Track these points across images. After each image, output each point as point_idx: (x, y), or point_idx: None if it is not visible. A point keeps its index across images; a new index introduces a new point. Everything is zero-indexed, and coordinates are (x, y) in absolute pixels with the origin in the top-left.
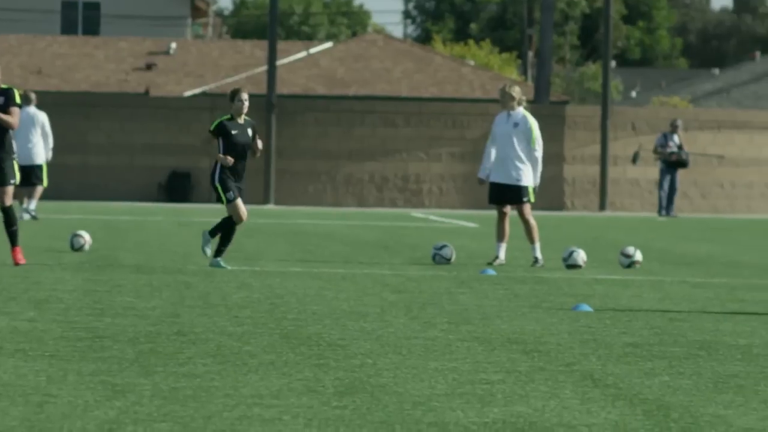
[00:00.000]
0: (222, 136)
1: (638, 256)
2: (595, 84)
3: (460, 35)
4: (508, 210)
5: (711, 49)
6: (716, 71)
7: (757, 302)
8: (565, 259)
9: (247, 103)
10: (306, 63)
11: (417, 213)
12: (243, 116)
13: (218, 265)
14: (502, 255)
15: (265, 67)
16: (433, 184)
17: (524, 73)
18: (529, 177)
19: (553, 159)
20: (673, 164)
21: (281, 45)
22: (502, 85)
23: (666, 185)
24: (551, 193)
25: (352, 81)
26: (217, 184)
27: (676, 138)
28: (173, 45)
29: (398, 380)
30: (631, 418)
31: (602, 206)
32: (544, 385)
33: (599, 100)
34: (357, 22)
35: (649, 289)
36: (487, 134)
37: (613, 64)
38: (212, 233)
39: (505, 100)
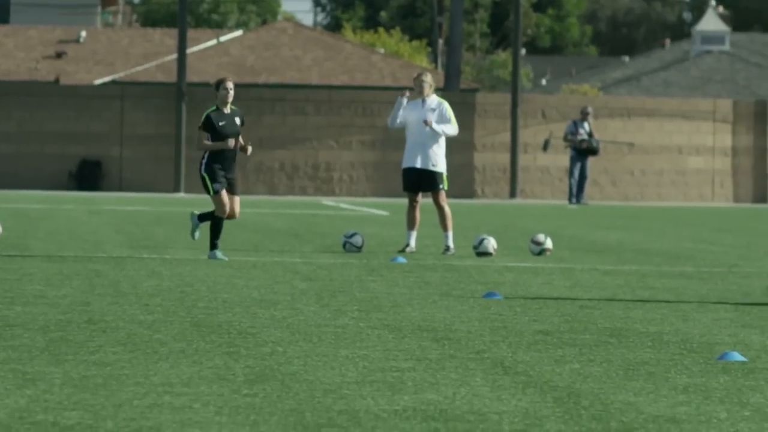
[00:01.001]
0: (209, 130)
1: (549, 243)
2: (505, 72)
3: (370, 23)
4: (420, 198)
5: (621, 37)
6: (626, 59)
7: (668, 289)
8: (475, 247)
9: (232, 92)
10: (216, 51)
11: (327, 201)
12: (229, 105)
13: (216, 258)
14: (412, 243)
15: (175, 56)
16: (344, 172)
17: (434, 60)
18: (443, 164)
19: (464, 147)
20: (583, 152)
21: (191, 33)
22: (416, 73)
23: (576, 173)
24: (462, 181)
25: (262, 69)
26: (205, 174)
27: (586, 125)
28: (83, 33)
29: (309, 368)
30: (541, 405)
31: (513, 194)
32: (455, 373)
33: (509, 88)
34: (267, 10)
35: (560, 277)
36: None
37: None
38: (201, 218)
39: (420, 88)
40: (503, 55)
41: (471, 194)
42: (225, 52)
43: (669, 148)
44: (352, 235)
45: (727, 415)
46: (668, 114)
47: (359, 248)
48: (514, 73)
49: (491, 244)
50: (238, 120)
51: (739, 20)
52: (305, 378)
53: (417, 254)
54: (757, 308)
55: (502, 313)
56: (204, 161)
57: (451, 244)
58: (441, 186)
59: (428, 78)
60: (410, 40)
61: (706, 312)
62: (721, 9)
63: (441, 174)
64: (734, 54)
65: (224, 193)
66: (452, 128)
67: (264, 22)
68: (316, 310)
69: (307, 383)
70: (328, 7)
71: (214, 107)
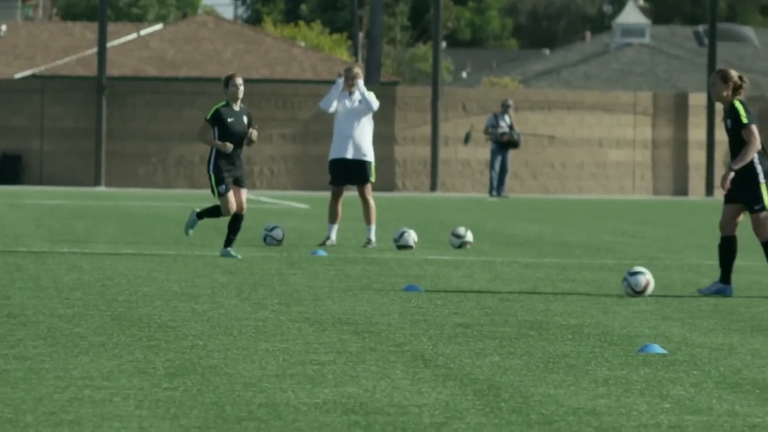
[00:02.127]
0: (218, 125)
1: (469, 236)
2: (426, 65)
3: (291, 16)
4: (343, 192)
5: (541, 30)
6: (547, 52)
7: (588, 282)
8: (396, 240)
9: (242, 88)
10: (136, 45)
11: (248, 194)
12: (239, 103)
13: (228, 255)
14: (333, 236)
15: (95, 49)
16: (264, 165)
17: (355, 54)
18: (372, 154)
19: (384, 140)
20: (504, 145)
21: (111, 27)
22: (347, 66)
23: (497, 165)
24: (382, 174)
25: (182, 63)
26: (212, 173)
27: (507, 118)
28: (3, 27)
29: (229, 361)
30: (461, 398)
31: (433, 187)
32: (375, 366)
33: (430, 81)
34: (187, 3)
35: (480, 270)
36: (319, 115)
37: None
38: (200, 215)
39: (352, 81)
40: (423, 48)
41: (392, 187)
42: (145, 46)
43: (589, 140)
44: (272, 229)
45: (647, 408)
46: (589, 107)
47: (280, 241)
48: (435, 66)
49: (412, 237)
50: (245, 119)
51: (660, 13)
52: (225, 371)
53: (337, 247)
54: (677, 300)
55: (423, 306)
56: (211, 159)
57: (372, 237)
58: (370, 177)
59: (359, 71)
60: (331, 33)
61: (627, 304)
62: (641, 2)
63: (371, 164)
64: (654, 47)
65: (230, 195)
66: (375, 101)
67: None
68: (237, 303)
69: (227, 377)
70: (249, 1)
71: (224, 102)
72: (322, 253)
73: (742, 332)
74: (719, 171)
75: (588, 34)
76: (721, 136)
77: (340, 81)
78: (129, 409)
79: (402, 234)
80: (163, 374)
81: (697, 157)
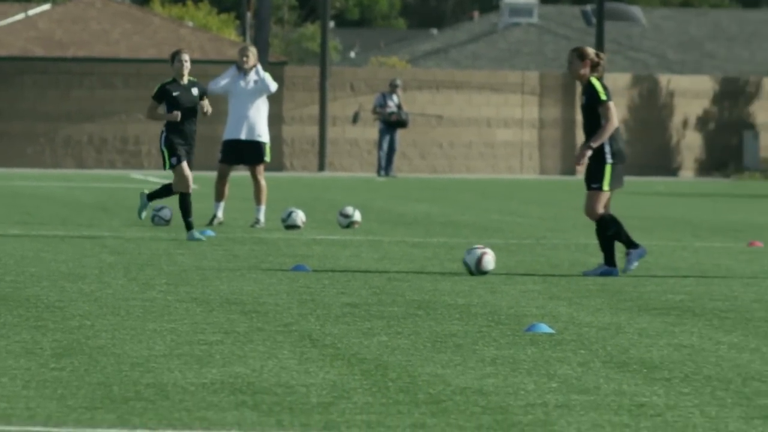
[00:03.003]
0: (165, 100)
1: (357, 216)
2: (314, 44)
3: None
4: (230, 172)
5: (429, 9)
6: (434, 31)
7: None
8: (284, 220)
9: (187, 64)
10: (24, 25)
11: (136, 174)
12: (186, 77)
13: (194, 238)
14: (220, 214)
15: None
16: (152, 145)
17: (243, 34)
18: (267, 135)
19: (272, 120)
20: (392, 124)
21: None
22: (241, 46)
23: (385, 145)
24: (271, 154)
25: (70, 43)
26: (164, 148)
27: (395, 98)
28: None
29: (116, 341)
30: (349, 377)
31: (321, 167)
32: (263, 346)
33: (318, 61)
34: None
35: (368, 249)
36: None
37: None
38: (150, 197)
39: (246, 58)
40: (312, 28)
41: (280, 167)
42: (33, 26)
43: (477, 120)
44: (160, 209)
45: (534, 387)
46: (477, 86)
47: (168, 221)
48: (323, 46)
49: (299, 217)
50: (195, 90)
51: None
52: (113, 351)
53: (225, 227)
54: (564, 280)
55: (310, 286)
56: (163, 135)
57: (261, 217)
58: (265, 157)
59: (253, 50)
60: (219, 13)
61: (514, 284)
62: None
63: (266, 145)
64: (542, 26)
65: (184, 166)
66: (273, 83)
67: None
68: (124, 283)
69: (114, 357)
70: None
71: (171, 78)
72: (209, 233)
73: (629, 312)
74: None
75: (476, 13)
76: None
77: (235, 68)
78: (16, 390)
79: (290, 214)
80: (51, 354)
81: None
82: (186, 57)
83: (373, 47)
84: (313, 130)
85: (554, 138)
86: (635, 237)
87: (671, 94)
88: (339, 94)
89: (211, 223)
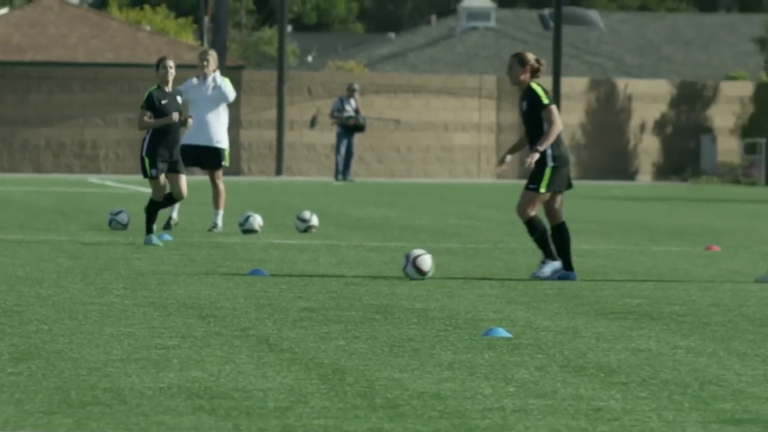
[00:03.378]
0: (152, 109)
1: (314, 220)
2: (271, 48)
3: (136, 1)
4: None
5: (387, 14)
6: (392, 35)
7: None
8: (241, 224)
9: (172, 70)
10: None
11: (94, 178)
12: (170, 85)
13: (151, 242)
14: (175, 215)
15: None
16: (110, 149)
17: (200, 38)
18: (227, 140)
19: (230, 124)
20: (349, 128)
21: None
22: (202, 50)
23: (343, 149)
24: (229, 159)
25: (28, 47)
26: (145, 156)
27: (352, 102)
28: None
29: (74, 346)
30: (306, 382)
31: (279, 171)
32: (220, 350)
33: (275, 65)
34: None
35: (326, 254)
36: None
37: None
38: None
39: (206, 63)
40: (269, 32)
41: (237, 171)
42: None
43: (435, 124)
44: (117, 213)
45: (492, 391)
46: (434, 91)
47: (125, 226)
48: (280, 50)
49: (257, 221)
50: (180, 99)
51: None
52: (70, 356)
53: (183, 232)
54: (522, 284)
55: (268, 290)
56: (146, 142)
57: (219, 221)
58: (223, 162)
59: (213, 55)
60: (176, 17)
61: (472, 288)
62: None
63: (224, 151)
64: (500, 30)
65: (162, 178)
66: (231, 91)
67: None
68: (82, 288)
69: (72, 361)
70: None
71: (156, 86)
72: (167, 237)
73: (587, 316)
74: None
75: (434, 17)
76: (566, 119)
77: (194, 80)
78: None
79: (247, 218)
80: (8, 359)
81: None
82: (171, 63)
83: (331, 51)
84: (271, 135)
85: (512, 142)
86: (593, 241)
87: (629, 98)
88: (296, 98)
89: (167, 225)
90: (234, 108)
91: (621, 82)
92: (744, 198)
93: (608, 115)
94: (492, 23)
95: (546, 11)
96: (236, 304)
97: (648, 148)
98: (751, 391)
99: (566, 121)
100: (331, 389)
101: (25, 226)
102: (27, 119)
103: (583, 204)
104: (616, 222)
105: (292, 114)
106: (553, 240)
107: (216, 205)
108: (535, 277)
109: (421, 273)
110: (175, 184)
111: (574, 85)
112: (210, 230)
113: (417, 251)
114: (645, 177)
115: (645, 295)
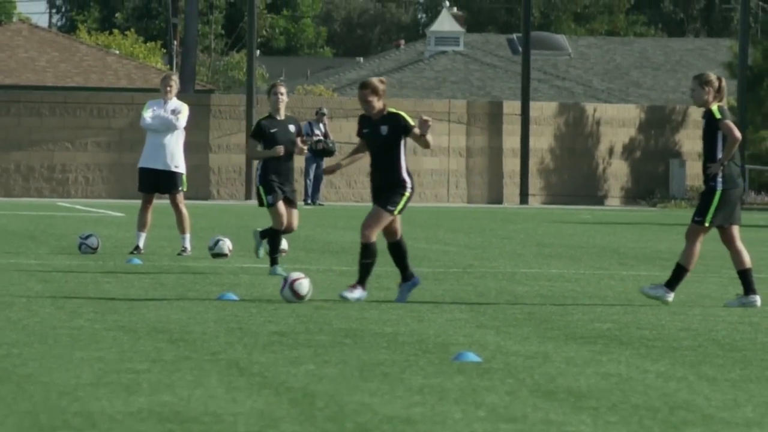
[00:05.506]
0: (262, 137)
1: (284, 244)
2: (240, 73)
3: (105, 25)
4: (152, 200)
5: (356, 38)
6: (361, 60)
7: None
8: (211, 248)
9: (282, 97)
10: None
11: (63, 202)
12: (283, 113)
13: (276, 273)
14: (141, 244)
15: None
16: (79, 173)
17: (169, 62)
18: (183, 164)
19: (199, 148)
20: (318, 153)
21: None
22: (165, 74)
23: (312, 173)
24: (197, 182)
25: None
26: (260, 185)
27: (321, 126)
28: None
29: (44, 370)
30: (276, 406)
31: (248, 195)
32: (190, 374)
33: (244, 89)
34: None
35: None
36: (134, 123)
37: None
38: (263, 234)
39: (169, 88)
40: (238, 57)
41: (206, 195)
42: None
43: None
44: (87, 237)
45: (462, 416)
46: None
47: (95, 250)
48: (249, 74)
49: (227, 245)
50: (292, 127)
51: (474, 21)
52: (40, 380)
53: (152, 256)
54: (492, 308)
55: (238, 314)
56: (259, 172)
57: (187, 245)
58: (180, 187)
59: (176, 79)
60: (145, 41)
61: (442, 312)
62: (455, 10)
63: (181, 175)
64: (469, 55)
65: (280, 205)
66: (181, 120)
67: None
68: (52, 312)
69: (42, 385)
70: (64, 9)
71: (267, 114)
72: (136, 261)
73: (557, 340)
74: (533, 179)
75: (402, 42)
76: (535, 143)
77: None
78: None
79: (217, 242)
80: None
81: (511, 165)
82: (282, 90)
83: (300, 75)
84: (240, 159)
85: (481, 166)
86: (563, 265)
87: (597, 123)
88: None
89: (133, 252)
90: (203, 132)
91: (590, 107)
92: None
93: (577, 140)
94: (461, 48)
95: (515, 36)
96: (206, 328)
97: (617, 173)
98: (721, 416)
99: (535, 146)
100: (301, 413)
101: None
102: None
103: (552, 228)
104: (585, 246)
105: None
106: (392, 254)
107: (181, 230)
108: (344, 298)
109: (298, 297)
110: (288, 215)
111: (543, 109)
112: (179, 254)
113: (296, 274)
114: (614, 201)
115: (615, 320)
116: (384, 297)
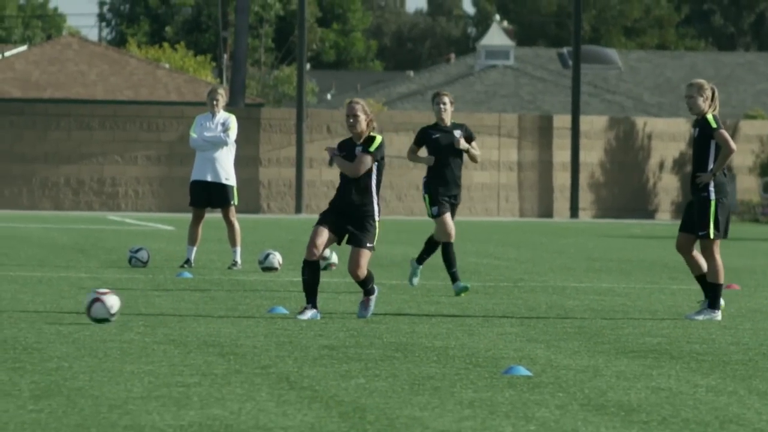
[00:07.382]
0: (425, 143)
1: (334, 258)
2: (290, 87)
3: (155, 38)
4: (204, 215)
5: (406, 52)
6: (411, 74)
7: (453, 304)
8: (261, 262)
9: (444, 107)
10: (0, 66)
11: (113, 216)
12: (448, 120)
13: (459, 288)
14: (192, 257)
15: None
16: (129, 187)
17: (219, 75)
18: (234, 177)
19: (249, 162)
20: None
21: None
22: (211, 87)
23: None
24: (248, 196)
25: (47, 84)
26: (425, 194)
27: None
28: None
29: (94, 383)
30: (327, 420)
31: (298, 209)
32: (240, 388)
33: (294, 103)
34: (52, 25)
35: (345, 292)
36: (183, 137)
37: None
38: (419, 260)
39: (216, 102)
40: (288, 70)
41: (257, 209)
42: (10, 67)
43: None
44: (137, 250)
45: (512, 430)
46: None
47: (145, 263)
48: (299, 88)
49: (277, 259)
50: (458, 133)
51: (524, 35)
52: (91, 393)
53: (203, 269)
54: (542, 322)
55: (288, 328)
56: (425, 180)
57: (238, 259)
58: (232, 201)
59: (222, 92)
60: (195, 55)
61: (492, 326)
62: (505, 24)
63: (232, 188)
64: (518, 69)
65: (446, 217)
66: (231, 135)
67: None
68: (102, 325)
69: (92, 399)
70: (114, 22)
71: (434, 122)
72: (187, 275)
73: (607, 354)
74: (583, 193)
75: (452, 56)
76: (586, 157)
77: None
78: None
79: (267, 256)
80: (29, 396)
81: (561, 179)
82: (445, 99)
83: (350, 89)
84: (290, 172)
85: (531, 180)
86: (613, 279)
87: (648, 137)
88: (316, 136)
89: (183, 265)
90: (253, 146)
91: (640, 121)
92: (763, 237)
93: (627, 154)
94: (511, 61)
95: (565, 50)
96: (257, 341)
97: (667, 187)
98: None
99: (585, 160)
100: (351, 427)
101: (44, 264)
102: (46, 157)
103: (602, 242)
104: (635, 260)
105: (311, 151)
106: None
107: (233, 243)
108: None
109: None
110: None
111: (593, 123)
112: (230, 268)
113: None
114: (664, 215)
115: (665, 334)
116: (434, 311)
